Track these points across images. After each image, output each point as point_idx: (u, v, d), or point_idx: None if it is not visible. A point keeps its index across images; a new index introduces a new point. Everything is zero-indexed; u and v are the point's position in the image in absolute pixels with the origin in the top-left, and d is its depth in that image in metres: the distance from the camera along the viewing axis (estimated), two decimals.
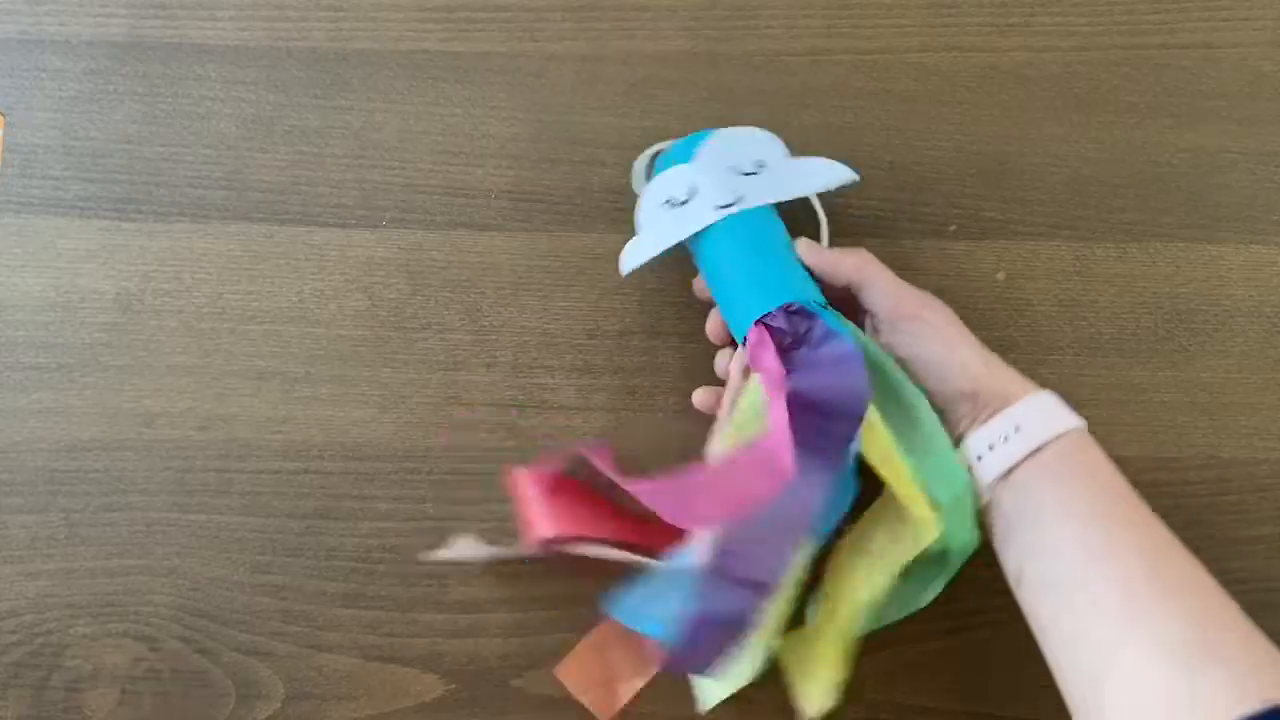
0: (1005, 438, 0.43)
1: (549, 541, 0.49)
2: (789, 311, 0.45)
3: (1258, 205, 0.55)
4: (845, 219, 0.54)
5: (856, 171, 0.48)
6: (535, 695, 0.51)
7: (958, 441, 0.45)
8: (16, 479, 0.52)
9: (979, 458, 0.44)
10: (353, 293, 0.54)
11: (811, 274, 0.47)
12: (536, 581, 0.51)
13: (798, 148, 0.55)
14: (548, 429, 0.53)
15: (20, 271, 0.54)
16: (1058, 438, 0.42)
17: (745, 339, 0.46)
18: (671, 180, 0.48)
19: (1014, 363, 0.53)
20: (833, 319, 0.45)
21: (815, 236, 0.51)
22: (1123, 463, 0.53)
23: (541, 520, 0.49)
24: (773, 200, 0.48)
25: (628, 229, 0.54)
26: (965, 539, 0.43)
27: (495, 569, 0.51)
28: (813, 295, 0.46)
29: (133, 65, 0.56)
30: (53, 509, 0.52)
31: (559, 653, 0.50)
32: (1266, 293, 0.55)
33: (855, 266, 0.47)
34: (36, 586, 0.52)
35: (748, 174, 0.48)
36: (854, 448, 0.43)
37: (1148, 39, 0.57)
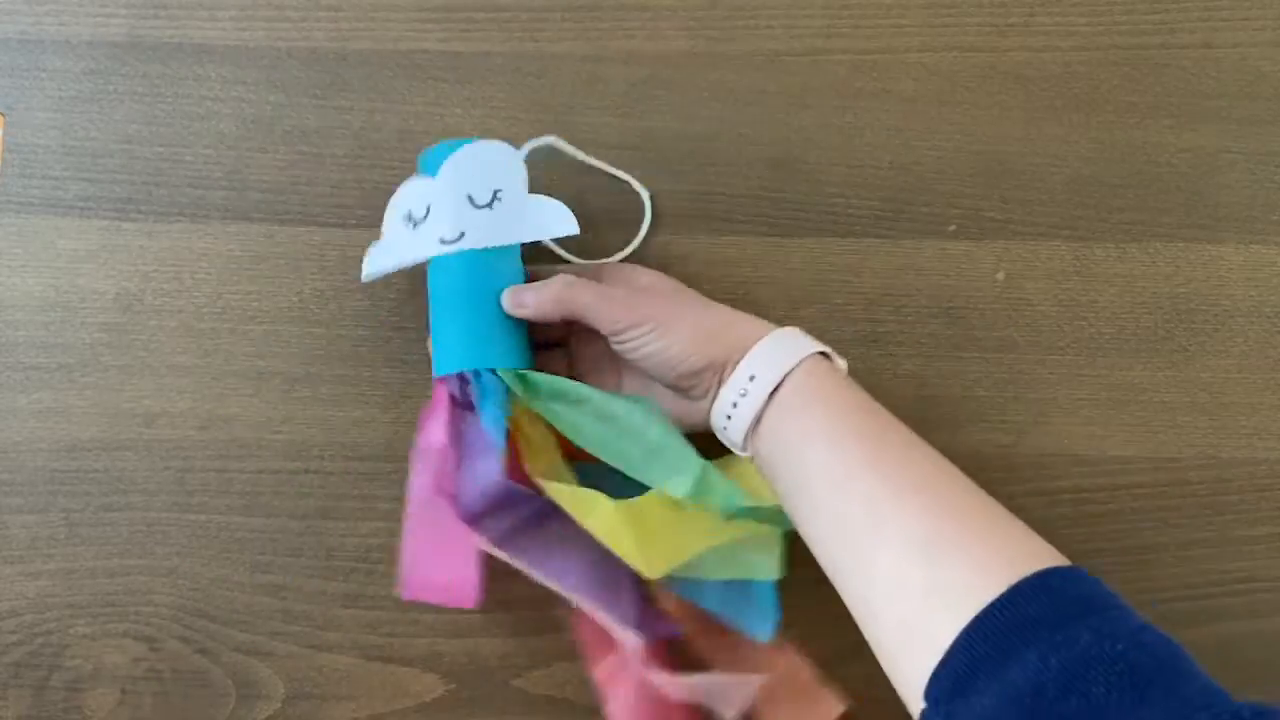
0: (744, 391, 0.44)
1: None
2: (461, 379, 0.46)
3: (1258, 205, 0.55)
4: (846, 219, 0.54)
5: (577, 224, 0.48)
6: (535, 695, 0.51)
7: (709, 410, 0.45)
8: (16, 479, 0.52)
9: (728, 418, 0.44)
10: (353, 293, 0.54)
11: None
12: (537, 581, 0.51)
13: (798, 148, 0.55)
14: None
15: (20, 271, 0.54)
16: (790, 372, 0.43)
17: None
18: (412, 194, 0.48)
19: (1014, 363, 0.54)
20: (494, 394, 0.46)
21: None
22: (1123, 462, 0.53)
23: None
24: (492, 244, 0.47)
25: (625, 229, 0.54)
26: (729, 503, 0.44)
27: (496, 568, 0.51)
28: (501, 354, 0.46)
29: (133, 65, 0.56)
30: (53, 509, 0.52)
31: (559, 653, 0.50)
32: (1266, 293, 0.55)
33: (556, 300, 0.46)
34: (36, 586, 0.52)
35: (481, 206, 0.47)
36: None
37: (1148, 39, 0.56)
